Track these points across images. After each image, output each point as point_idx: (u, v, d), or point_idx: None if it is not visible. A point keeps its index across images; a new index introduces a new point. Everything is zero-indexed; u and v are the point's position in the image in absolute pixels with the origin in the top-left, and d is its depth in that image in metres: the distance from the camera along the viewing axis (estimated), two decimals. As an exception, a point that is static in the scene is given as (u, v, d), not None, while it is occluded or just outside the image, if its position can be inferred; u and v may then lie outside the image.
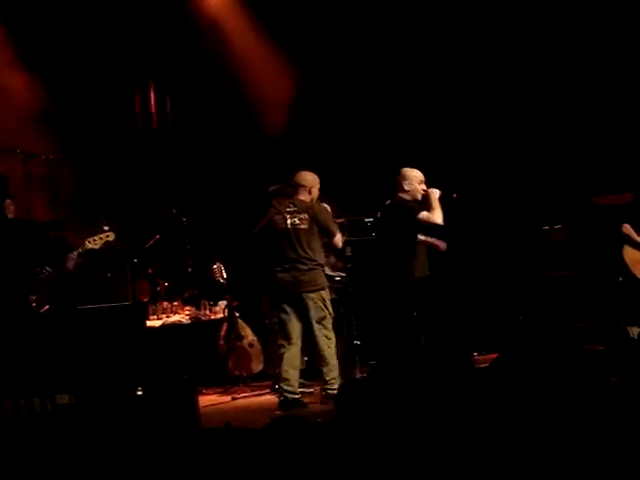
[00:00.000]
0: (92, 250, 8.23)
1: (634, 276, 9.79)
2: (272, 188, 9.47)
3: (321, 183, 8.83)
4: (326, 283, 8.57)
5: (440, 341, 10.06)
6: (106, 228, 8.31)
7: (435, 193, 8.58)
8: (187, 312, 10.69)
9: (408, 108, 11.60)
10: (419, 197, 8.53)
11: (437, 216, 8.48)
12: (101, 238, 8.21)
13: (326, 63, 11.56)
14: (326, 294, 8.51)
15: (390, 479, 3.80)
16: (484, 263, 10.48)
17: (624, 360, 8.32)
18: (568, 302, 10.19)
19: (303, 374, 9.44)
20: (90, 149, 10.91)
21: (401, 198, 8.63)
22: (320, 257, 8.56)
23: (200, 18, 11.60)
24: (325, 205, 8.82)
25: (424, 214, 8.48)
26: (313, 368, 9.43)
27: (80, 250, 8.16)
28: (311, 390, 9.15)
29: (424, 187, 8.51)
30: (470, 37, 11.40)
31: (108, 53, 11.29)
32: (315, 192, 8.63)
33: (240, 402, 9.22)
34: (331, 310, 8.50)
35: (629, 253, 9.81)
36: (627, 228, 9.82)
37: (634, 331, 9.89)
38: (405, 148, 11.56)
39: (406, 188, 8.51)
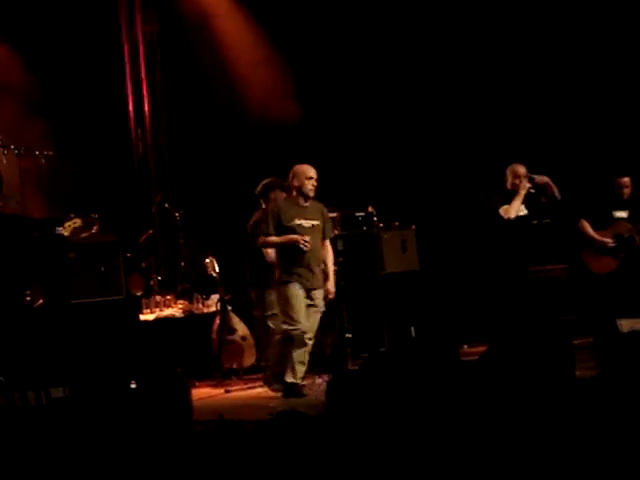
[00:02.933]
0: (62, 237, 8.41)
1: (592, 273, 9.71)
2: (266, 181, 9.49)
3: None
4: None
5: (429, 334, 10.13)
6: (72, 215, 8.46)
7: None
8: (180, 306, 10.72)
9: (399, 102, 11.63)
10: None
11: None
12: (69, 225, 8.34)
13: (318, 56, 11.54)
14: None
15: (381, 472, 3.84)
16: (475, 256, 10.53)
17: (613, 354, 8.38)
18: (558, 295, 10.20)
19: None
20: (83, 144, 10.91)
21: None
22: None
23: (193, 12, 11.60)
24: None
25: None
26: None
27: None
28: (303, 383, 9.21)
29: (314, 183, 8.69)
30: (474, 32, 11.45)
31: (101, 48, 11.31)
32: None
33: (233, 395, 9.23)
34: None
35: (585, 249, 9.73)
36: (582, 224, 9.72)
37: (623, 325, 9.91)
38: (399, 144, 11.63)
39: (295, 184, 8.70)
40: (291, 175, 8.71)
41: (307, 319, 8.52)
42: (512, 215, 9.35)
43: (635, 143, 10.71)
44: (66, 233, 8.28)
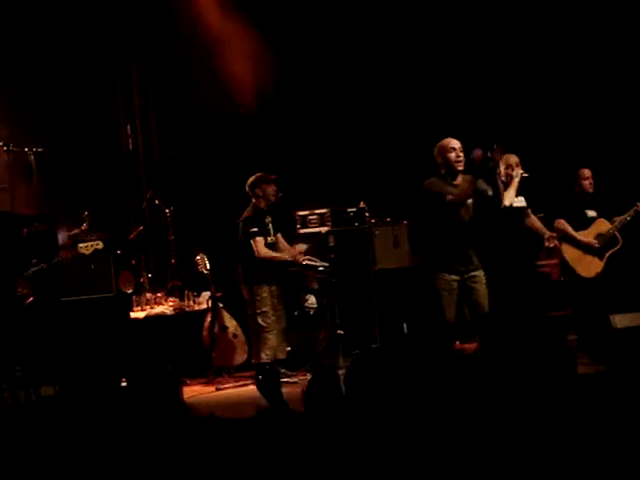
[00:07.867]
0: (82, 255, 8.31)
1: (579, 275, 9.53)
2: (254, 176, 9.46)
3: (304, 173, 8.85)
4: None
5: (423, 331, 10.10)
6: (93, 238, 8.45)
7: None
8: (171, 303, 10.68)
9: (390, 96, 11.61)
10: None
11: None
12: (92, 245, 8.24)
13: (305, 50, 11.52)
14: None
15: (366, 469, 3.82)
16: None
17: (607, 350, 8.35)
18: (550, 291, 10.15)
19: (286, 364, 9.47)
20: (73, 141, 10.88)
21: None
22: None
23: (183, 10, 11.56)
24: None
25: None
26: (296, 358, 9.46)
27: (74, 253, 8.26)
28: (295, 380, 9.19)
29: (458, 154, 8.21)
30: (467, 30, 11.47)
31: (90, 45, 11.27)
32: None
33: (224, 393, 9.25)
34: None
35: (569, 251, 9.49)
36: (562, 223, 9.46)
37: (616, 320, 9.87)
38: (390, 139, 11.60)
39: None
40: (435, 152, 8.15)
41: None
42: (507, 203, 9.13)
43: (592, 140, 10.84)
44: (86, 252, 8.21)
